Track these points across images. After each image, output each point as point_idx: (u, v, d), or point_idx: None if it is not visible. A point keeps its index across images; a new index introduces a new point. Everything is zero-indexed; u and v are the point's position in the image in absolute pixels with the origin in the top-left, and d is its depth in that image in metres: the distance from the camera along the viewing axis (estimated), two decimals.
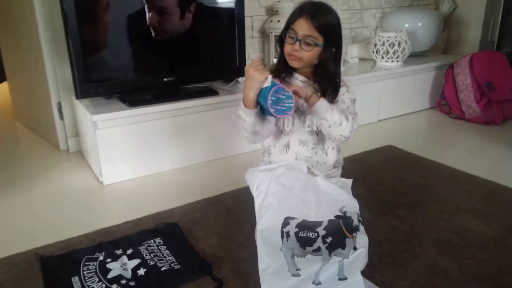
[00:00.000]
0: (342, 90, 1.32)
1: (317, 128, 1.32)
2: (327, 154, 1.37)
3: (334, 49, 1.27)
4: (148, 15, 1.84)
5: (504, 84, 2.62)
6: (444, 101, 2.75)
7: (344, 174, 1.42)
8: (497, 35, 3.16)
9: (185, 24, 1.95)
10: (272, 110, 1.16)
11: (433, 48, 3.03)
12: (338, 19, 1.28)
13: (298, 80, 1.33)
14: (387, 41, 2.62)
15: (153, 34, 1.87)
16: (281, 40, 1.31)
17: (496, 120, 2.55)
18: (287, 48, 1.28)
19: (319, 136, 1.34)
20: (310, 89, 1.25)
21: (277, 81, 1.21)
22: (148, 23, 1.85)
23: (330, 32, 1.25)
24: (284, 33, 1.29)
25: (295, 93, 1.21)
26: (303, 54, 1.25)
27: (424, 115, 2.82)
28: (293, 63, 1.30)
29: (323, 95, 1.27)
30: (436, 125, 2.66)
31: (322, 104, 1.22)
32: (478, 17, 3.12)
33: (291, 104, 1.18)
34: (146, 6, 1.82)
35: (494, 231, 1.45)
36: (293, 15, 1.27)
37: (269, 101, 1.16)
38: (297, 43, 1.24)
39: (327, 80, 1.29)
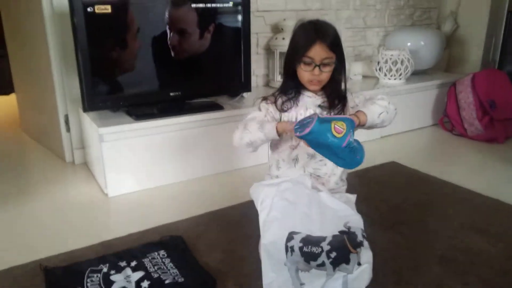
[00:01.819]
0: (349, 96, 1.37)
1: None
2: (336, 166, 1.38)
3: (341, 60, 1.31)
4: (169, 35, 1.90)
5: (506, 102, 2.64)
6: (447, 119, 2.77)
7: (347, 190, 1.43)
8: (499, 55, 3.20)
9: (204, 44, 2.00)
10: (296, 129, 1.15)
11: (435, 66, 3.06)
12: (336, 30, 1.31)
13: (306, 96, 1.35)
14: (390, 59, 2.66)
15: (172, 54, 1.94)
16: (289, 66, 1.32)
17: (498, 138, 2.56)
18: (306, 75, 1.28)
19: None
20: (350, 117, 1.20)
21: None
22: (169, 43, 1.91)
23: (339, 45, 1.29)
24: (297, 62, 1.28)
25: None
26: (324, 76, 1.28)
27: (426, 132, 2.83)
28: (314, 88, 1.33)
29: (332, 106, 1.30)
30: (438, 142, 2.67)
31: (369, 112, 1.26)
32: (479, 37, 3.16)
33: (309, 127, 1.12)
34: (167, 27, 1.89)
35: (498, 249, 1.45)
36: (304, 43, 1.25)
37: (296, 125, 1.16)
38: (317, 68, 1.26)
39: (336, 89, 1.34)
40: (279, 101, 1.36)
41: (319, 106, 1.35)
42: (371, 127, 1.31)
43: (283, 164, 1.39)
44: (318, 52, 1.24)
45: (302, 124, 1.15)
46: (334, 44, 1.26)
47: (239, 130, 1.31)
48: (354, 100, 1.39)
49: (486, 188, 1.90)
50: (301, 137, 1.13)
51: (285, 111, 1.35)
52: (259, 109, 1.38)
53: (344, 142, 1.10)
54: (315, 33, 1.25)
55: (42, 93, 2.29)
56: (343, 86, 1.36)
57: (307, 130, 1.10)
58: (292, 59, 1.30)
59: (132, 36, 1.85)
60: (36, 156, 2.37)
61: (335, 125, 1.09)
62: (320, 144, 1.12)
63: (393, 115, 1.33)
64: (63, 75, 2.10)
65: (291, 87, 1.35)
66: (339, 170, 1.39)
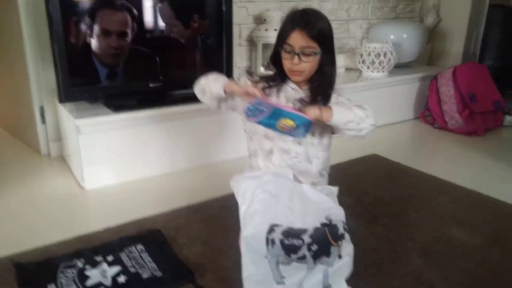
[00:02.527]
0: (333, 97, 1.30)
1: (313, 132, 1.30)
2: (311, 163, 1.35)
3: (329, 54, 1.26)
4: (149, 25, 1.85)
5: (486, 96, 2.67)
6: (428, 112, 2.79)
7: (328, 183, 1.41)
8: (479, 48, 3.23)
9: (185, 35, 1.96)
10: (246, 110, 1.21)
11: (418, 59, 3.07)
12: (329, 22, 1.27)
13: (290, 87, 1.32)
14: (373, 51, 2.65)
15: (152, 44, 1.89)
16: (275, 56, 1.29)
17: (478, 131, 2.59)
18: (287, 64, 1.26)
19: (303, 146, 1.32)
20: (314, 107, 1.21)
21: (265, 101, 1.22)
22: (148, 33, 1.87)
23: (325, 37, 1.24)
24: (279, 49, 1.26)
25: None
26: (304, 66, 1.24)
27: (408, 125, 2.85)
28: (296, 78, 1.28)
29: (314, 101, 1.26)
30: (420, 135, 2.69)
31: (338, 110, 1.20)
32: (461, 31, 3.18)
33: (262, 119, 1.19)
34: (147, 16, 1.84)
35: (478, 240, 1.46)
36: (284, 29, 1.24)
37: (249, 105, 1.20)
38: (296, 57, 1.22)
39: (323, 84, 1.28)
40: (261, 85, 1.33)
41: (300, 100, 1.30)
42: (337, 129, 1.25)
43: (260, 154, 1.36)
44: (297, 39, 1.21)
45: (255, 108, 1.18)
46: (318, 34, 1.21)
47: (203, 78, 1.32)
48: (337, 98, 1.32)
49: (466, 180, 1.92)
50: (247, 117, 1.20)
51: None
52: (238, 80, 1.36)
53: (288, 136, 1.21)
54: (297, 20, 1.22)
55: (16, 84, 2.22)
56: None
57: (255, 119, 1.19)
58: (276, 46, 1.28)
59: (110, 25, 1.79)
60: (10, 149, 2.30)
61: (282, 124, 1.16)
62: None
63: (365, 130, 1.24)
64: (38, 65, 2.03)
65: (276, 75, 1.32)
66: (314, 167, 1.35)
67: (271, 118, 1.17)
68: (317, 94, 1.29)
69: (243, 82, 1.35)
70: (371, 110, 1.24)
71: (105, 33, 1.79)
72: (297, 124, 1.16)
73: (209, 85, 1.29)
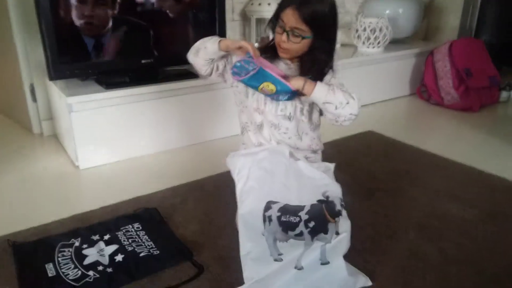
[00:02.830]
0: (327, 77, 1.26)
1: (290, 113, 1.27)
2: (301, 139, 1.33)
3: (324, 40, 1.20)
4: None
5: (482, 71, 2.66)
6: (424, 88, 2.77)
7: (324, 159, 1.40)
8: (475, 23, 3.20)
9: (177, 9, 1.90)
10: (233, 67, 1.20)
11: (414, 35, 3.04)
12: (331, 6, 1.19)
13: (282, 62, 1.29)
14: (369, 26, 2.61)
15: (143, 19, 1.83)
16: (271, 24, 1.25)
17: (473, 107, 2.58)
18: (277, 37, 1.22)
19: (293, 121, 1.28)
20: (300, 78, 1.19)
21: (258, 60, 1.19)
22: (139, 7, 1.81)
23: (319, 23, 1.17)
24: (274, 21, 1.23)
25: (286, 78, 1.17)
26: (291, 45, 1.20)
27: (404, 101, 2.83)
28: (281, 54, 1.25)
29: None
30: (415, 111, 2.68)
31: (321, 89, 1.17)
32: (457, 5, 3.14)
33: (247, 76, 1.17)
34: None
35: (472, 215, 1.47)
36: (282, 2, 1.20)
37: (237, 63, 1.19)
38: (284, 34, 1.18)
39: (314, 69, 1.24)
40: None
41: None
42: (322, 105, 1.21)
43: (251, 128, 1.34)
44: (289, 17, 1.16)
45: (241, 66, 1.17)
46: (310, 18, 1.15)
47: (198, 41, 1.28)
48: (330, 81, 1.26)
49: (461, 156, 1.93)
50: (232, 75, 1.20)
51: None
52: None
53: (269, 97, 1.24)
54: None
55: (4, 62, 2.16)
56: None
57: (238, 78, 1.17)
58: (273, 17, 1.23)
59: None
60: (1, 129, 2.26)
61: (263, 87, 1.16)
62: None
63: (343, 117, 1.19)
64: (26, 41, 1.97)
65: (269, 47, 1.29)
66: (303, 144, 1.33)
67: (254, 79, 1.16)
68: (306, 73, 1.24)
69: None
70: (357, 102, 1.18)
71: (95, 6, 1.72)
72: (278, 90, 1.16)
73: (204, 43, 1.25)
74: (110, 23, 1.80)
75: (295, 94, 1.21)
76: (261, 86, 1.16)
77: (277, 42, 1.23)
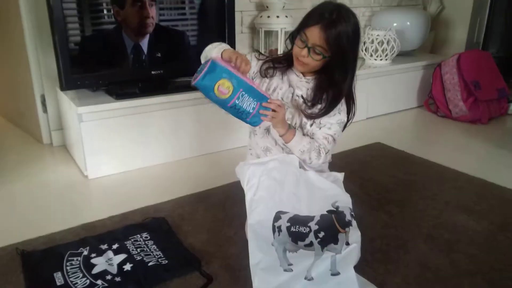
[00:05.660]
0: (334, 110, 1.27)
1: (296, 124, 1.29)
2: None
3: (342, 61, 1.20)
4: (150, 11, 1.82)
5: (491, 83, 2.65)
6: (432, 100, 2.77)
7: (333, 170, 1.40)
8: (483, 36, 3.20)
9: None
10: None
11: (421, 48, 3.05)
12: (355, 27, 1.19)
13: (295, 74, 1.30)
14: (376, 39, 2.63)
15: (154, 31, 1.86)
16: (291, 36, 1.26)
17: (482, 119, 2.57)
18: (296, 50, 1.23)
19: (299, 129, 1.29)
20: (285, 126, 1.22)
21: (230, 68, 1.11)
22: (150, 20, 1.83)
23: (342, 45, 1.16)
24: (296, 33, 1.23)
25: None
26: (310, 61, 1.20)
27: (411, 113, 2.83)
28: (298, 67, 1.26)
29: (313, 100, 1.25)
30: (423, 123, 2.67)
31: (296, 144, 1.24)
32: (464, 18, 3.15)
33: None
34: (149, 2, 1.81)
35: (483, 227, 1.46)
36: (309, 18, 1.19)
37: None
38: (305, 49, 1.19)
39: (328, 88, 1.24)
40: (265, 65, 1.31)
41: (303, 99, 1.27)
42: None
43: (259, 131, 1.35)
44: (313, 35, 1.16)
45: (200, 70, 1.09)
46: (334, 41, 1.15)
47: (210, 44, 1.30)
48: (329, 120, 1.27)
49: (471, 167, 1.91)
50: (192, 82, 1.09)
51: (265, 76, 1.30)
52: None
53: (229, 103, 1.10)
54: (323, 15, 1.15)
55: (16, 72, 2.19)
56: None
57: (193, 82, 1.07)
58: (297, 28, 1.23)
59: (112, 11, 1.76)
60: (12, 139, 2.28)
61: (219, 87, 1.06)
62: None
63: (308, 162, 1.27)
64: (39, 52, 2.00)
65: (284, 58, 1.30)
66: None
67: (209, 78, 1.05)
68: (317, 91, 1.25)
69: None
70: (324, 157, 1.27)
71: (106, 19, 1.75)
72: (235, 87, 1.06)
73: (211, 50, 1.27)
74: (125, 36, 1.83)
75: (258, 116, 1.16)
76: (217, 85, 1.06)
77: (295, 54, 1.24)
